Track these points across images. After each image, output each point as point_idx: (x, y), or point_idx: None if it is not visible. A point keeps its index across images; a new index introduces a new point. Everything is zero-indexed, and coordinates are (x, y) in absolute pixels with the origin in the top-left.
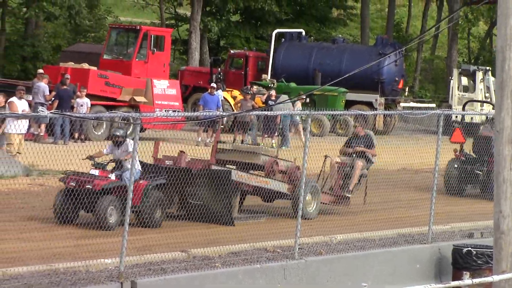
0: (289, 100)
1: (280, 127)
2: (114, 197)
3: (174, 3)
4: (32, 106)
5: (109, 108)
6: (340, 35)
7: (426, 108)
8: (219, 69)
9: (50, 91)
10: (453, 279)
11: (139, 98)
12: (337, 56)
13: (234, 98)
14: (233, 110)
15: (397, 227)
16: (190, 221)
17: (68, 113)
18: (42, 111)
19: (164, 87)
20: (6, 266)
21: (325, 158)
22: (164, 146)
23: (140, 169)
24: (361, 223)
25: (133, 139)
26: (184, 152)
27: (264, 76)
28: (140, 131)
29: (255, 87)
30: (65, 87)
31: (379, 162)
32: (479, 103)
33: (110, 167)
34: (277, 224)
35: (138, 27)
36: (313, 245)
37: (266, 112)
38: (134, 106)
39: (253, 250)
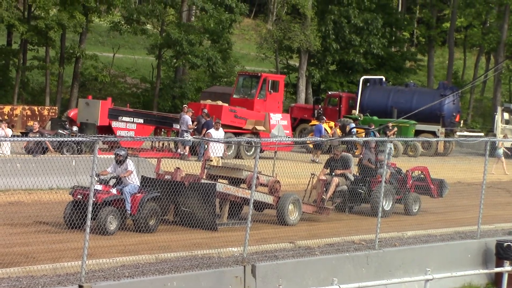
0: (374, 128)
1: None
2: (113, 208)
3: (286, 56)
4: (179, 133)
5: (236, 134)
6: (411, 81)
7: (476, 136)
8: (320, 106)
9: (192, 122)
10: (496, 266)
11: (259, 127)
12: (409, 96)
13: (331, 128)
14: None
15: (453, 226)
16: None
17: (206, 138)
18: (187, 137)
19: (278, 119)
20: (158, 253)
21: (311, 175)
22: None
23: (138, 184)
24: (426, 223)
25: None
26: (179, 168)
27: (353, 111)
28: (260, 152)
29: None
30: (208, 118)
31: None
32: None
33: (112, 182)
34: (361, 222)
35: (259, 74)
36: (389, 239)
37: (347, 139)
38: (255, 133)
39: (343, 242)
